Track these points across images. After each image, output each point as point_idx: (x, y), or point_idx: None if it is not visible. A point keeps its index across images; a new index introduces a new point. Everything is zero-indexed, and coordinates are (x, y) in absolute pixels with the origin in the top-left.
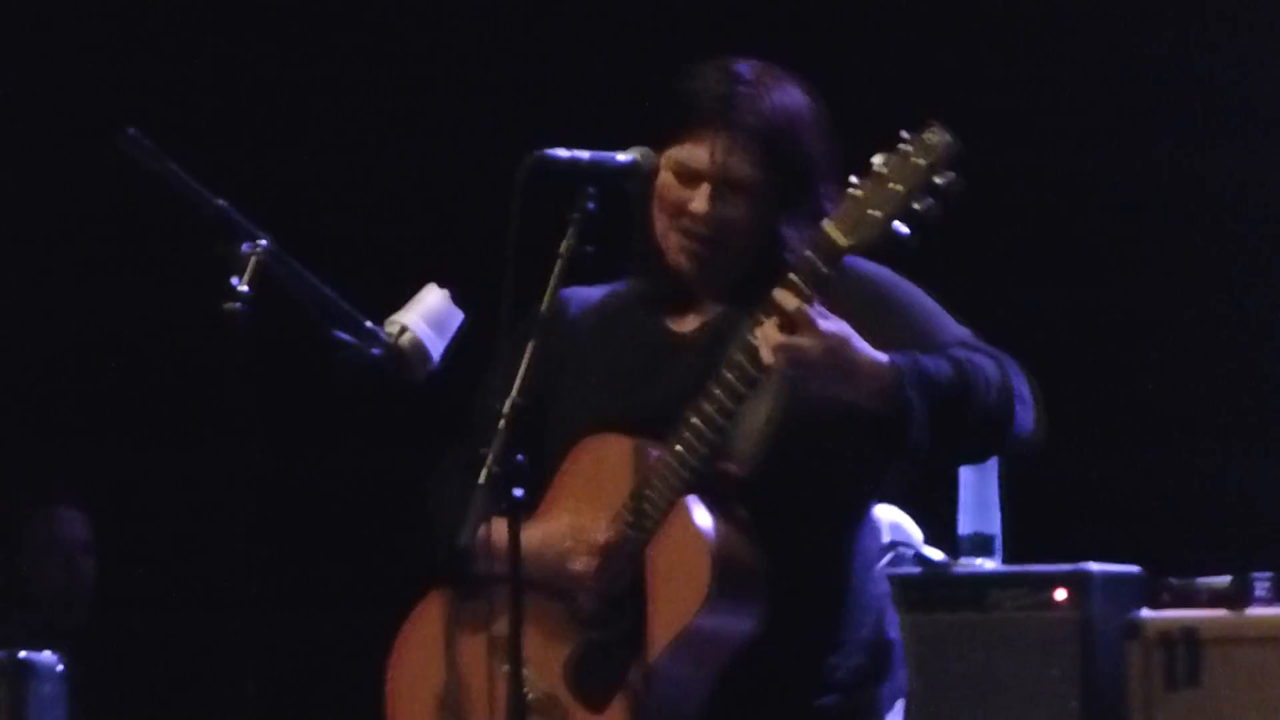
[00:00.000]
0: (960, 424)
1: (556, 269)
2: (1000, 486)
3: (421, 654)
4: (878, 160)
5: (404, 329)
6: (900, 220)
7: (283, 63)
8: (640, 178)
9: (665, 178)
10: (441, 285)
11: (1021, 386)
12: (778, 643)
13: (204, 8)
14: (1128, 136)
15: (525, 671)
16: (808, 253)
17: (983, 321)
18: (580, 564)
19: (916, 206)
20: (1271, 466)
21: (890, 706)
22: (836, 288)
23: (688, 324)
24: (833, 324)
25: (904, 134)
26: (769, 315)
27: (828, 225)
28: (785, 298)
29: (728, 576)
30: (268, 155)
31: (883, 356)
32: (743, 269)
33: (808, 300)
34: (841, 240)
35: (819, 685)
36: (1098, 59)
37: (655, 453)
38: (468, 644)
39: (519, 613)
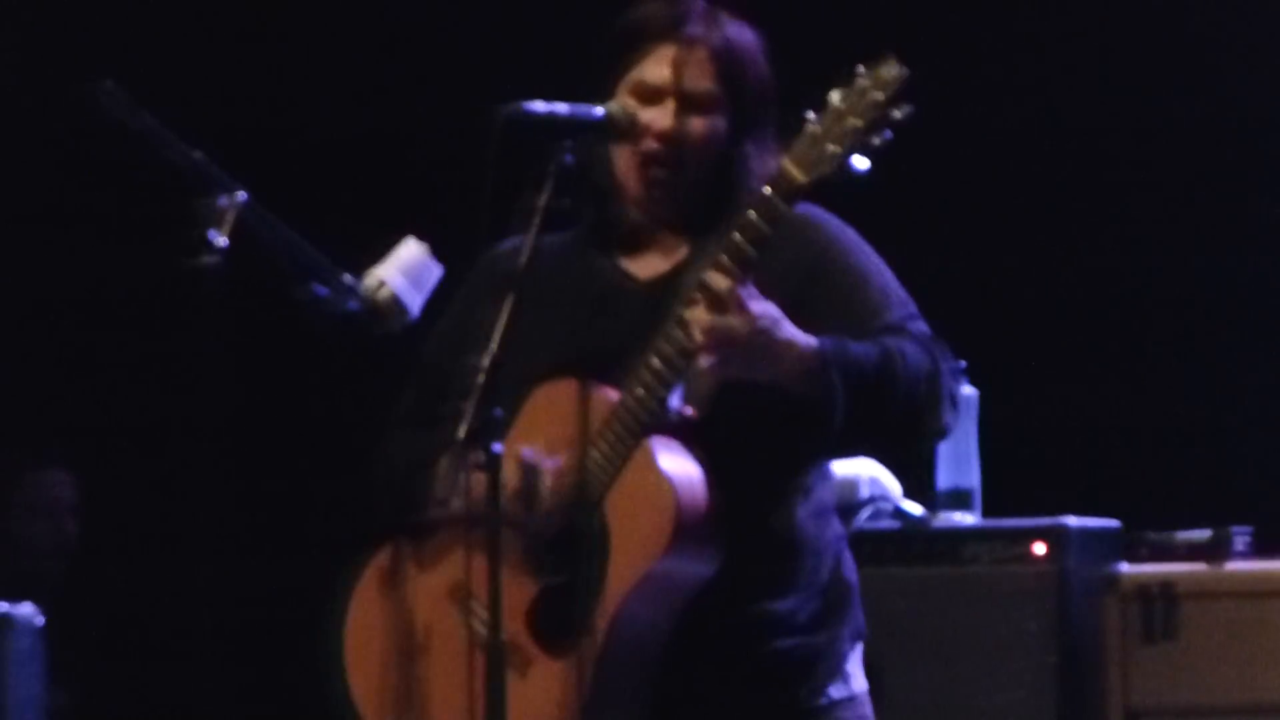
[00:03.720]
0: (882, 414)
1: (533, 223)
2: (979, 440)
3: (378, 603)
4: (835, 96)
5: (382, 283)
6: (858, 154)
7: (260, 14)
8: (617, 130)
9: (624, 101)
10: (420, 239)
11: (951, 383)
12: (737, 587)
13: None
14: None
15: (483, 616)
16: (766, 190)
17: (960, 270)
18: (518, 504)
19: (874, 141)
20: (1251, 421)
21: (851, 648)
22: (791, 236)
23: (644, 268)
24: (761, 305)
25: (859, 68)
26: (701, 295)
27: (785, 162)
28: (715, 279)
29: (690, 519)
30: (245, 107)
31: (810, 340)
32: (702, 195)
33: (739, 280)
34: (799, 176)
35: (780, 628)
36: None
37: (614, 395)
38: (424, 591)
39: (497, 567)
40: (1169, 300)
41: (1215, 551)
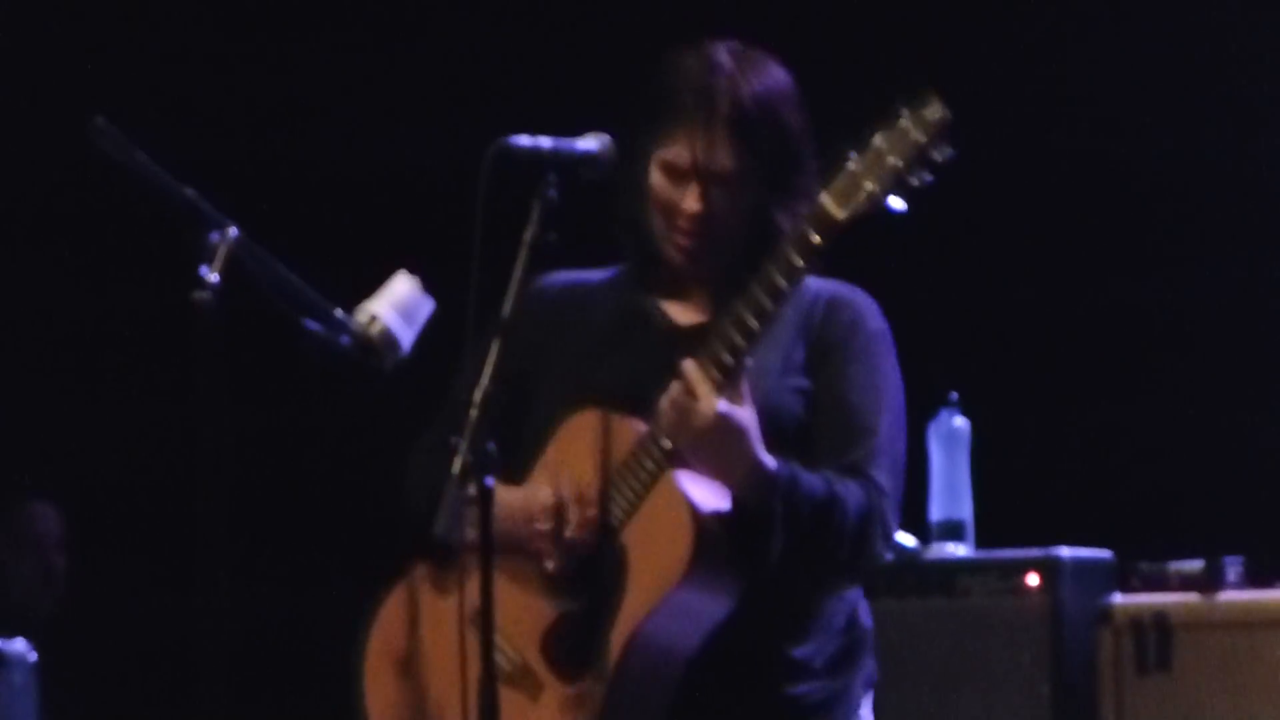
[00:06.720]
0: (805, 555)
1: (521, 258)
2: (971, 471)
3: (397, 629)
4: (877, 137)
5: (374, 318)
6: (895, 194)
7: (252, 49)
8: (599, 166)
9: (656, 178)
10: (411, 273)
11: (879, 545)
12: (754, 630)
13: None
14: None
15: (497, 641)
16: (803, 224)
17: (952, 301)
18: (539, 525)
19: (913, 181)
20: (1243, 450)
21: (864, 695)
22: (827, 309)
23: (683, 313)
24: (730, 407)
25: (903, 110)
26: (680, 380)
27: (824, 198)
28: (690, 369)
29: (708, 546)
30: (236, 142)
31: (770, 462)
32: (736, 253)
33: (737, 356)
34: (837, 212)
35: (796, 673)
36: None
37: (641, 426)
38: (443, 617)
39: (490, 600)
40: (1161, 331)
41: (1208, 582)
